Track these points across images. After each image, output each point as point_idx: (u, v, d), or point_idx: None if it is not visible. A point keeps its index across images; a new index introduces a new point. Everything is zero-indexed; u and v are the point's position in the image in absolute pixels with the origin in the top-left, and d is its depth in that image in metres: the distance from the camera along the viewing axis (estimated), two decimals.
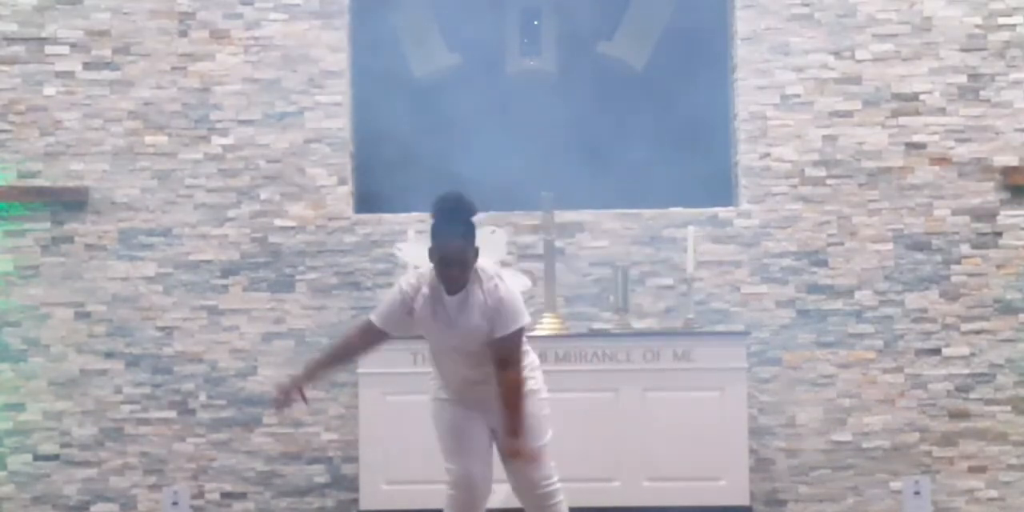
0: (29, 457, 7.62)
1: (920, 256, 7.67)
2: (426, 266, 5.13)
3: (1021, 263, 7.64)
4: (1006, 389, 7.58)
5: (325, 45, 7.82)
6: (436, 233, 5.01)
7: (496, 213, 7.38)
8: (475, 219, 5.09)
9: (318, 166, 7.78)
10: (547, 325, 7.28)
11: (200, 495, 7.62)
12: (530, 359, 5.28)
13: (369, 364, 7.20)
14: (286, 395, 5.17)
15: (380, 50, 8.16)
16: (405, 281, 5.19)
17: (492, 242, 5.56)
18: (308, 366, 5.33)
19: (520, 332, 5.08)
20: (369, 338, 5.27)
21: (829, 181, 7.72)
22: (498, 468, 5.33)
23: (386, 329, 5.20)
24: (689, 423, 7.08)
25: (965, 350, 7.60)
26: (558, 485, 5.26)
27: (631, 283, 7.54)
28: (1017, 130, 7.69)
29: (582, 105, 8.13)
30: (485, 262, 5.16)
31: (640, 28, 8.29)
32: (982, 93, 7.71)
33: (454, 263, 4.98)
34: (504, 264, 6.06)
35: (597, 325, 7.58)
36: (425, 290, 5.10)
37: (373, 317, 5.20)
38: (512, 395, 5.03)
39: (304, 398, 5.18)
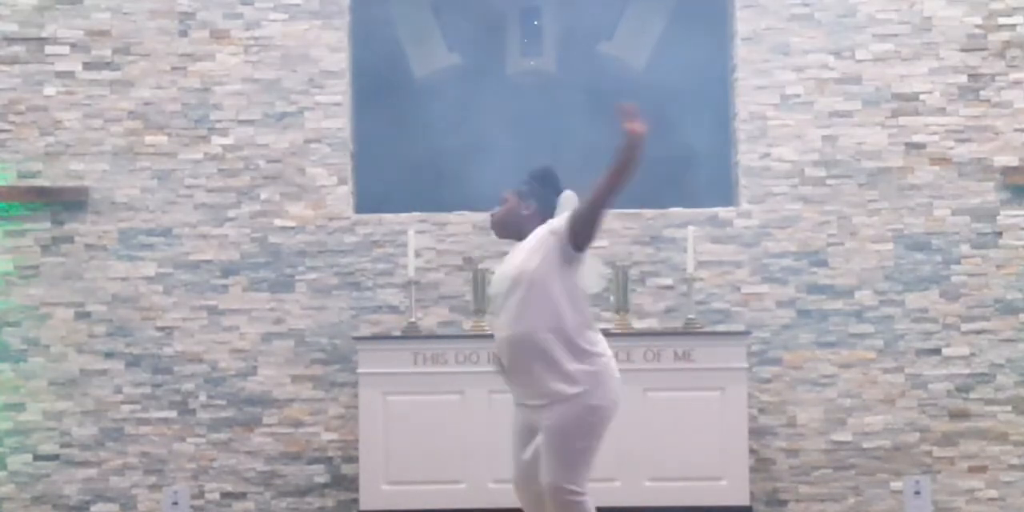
0: (29, 457, 7.62)
1: (920, 256, 7.67)
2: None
3: (1021, 263, 7.65)
4: (1006, 389, 7.58)
5: (325, 45, 7.82)
6: None
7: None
8: (540, 184, 5.04)
9: (318, 166, 7.78)
10: None
11: (200, 495, 7.62)
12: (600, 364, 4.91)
13: (369, 364, 7.22)
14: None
15: (380, 50, 8.16)
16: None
17: (565, 201, 5.29)
18: None
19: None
20: None
21: (829, 181, 7.73)
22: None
23: None
24: (689, 423, 7.09)
25: (965, 350, 7.61)
26: (572, 497, 4.80)
27: (631, 283, 7.54)
28: (1017, 130, 7.70)
29: (582, 105, 8.13)
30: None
31: (640, 28, 8.29)
32: (982, 93, 7.72)
33: (498, 204, 5.13)
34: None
35: (597, 325, 7.55)
36: None
37: None
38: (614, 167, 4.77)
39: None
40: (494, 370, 5.06)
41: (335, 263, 7.74)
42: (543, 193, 5.06)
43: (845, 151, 7.73)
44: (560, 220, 4.93)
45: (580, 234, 4.85)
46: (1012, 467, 7.56)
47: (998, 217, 7.67)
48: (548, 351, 4.82)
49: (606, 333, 7.35)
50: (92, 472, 7.64)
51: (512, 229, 5.08)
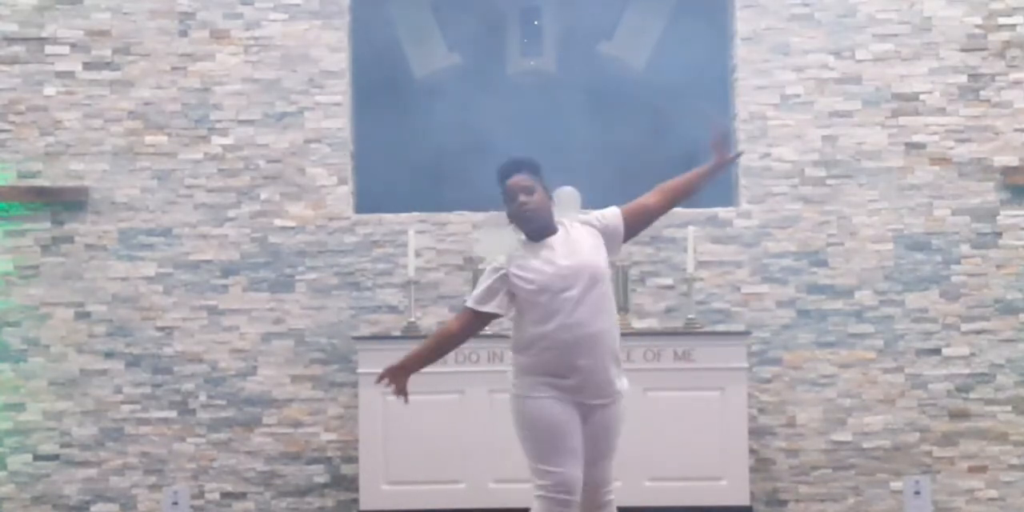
0: (29, 457, 7.62)
1: (920, 256, 7.67)
2: (504, 256, 5.00)
3: (1021, 263, 7.65)
4: (1006, 389, 7.58)
5: (325, 45, 7.82)
6: (501, 180, 4.97)
7: (496, 213, 7.36)
8: (538, 171, 5.00)
9: (318, 166, 7.79)
10: None
11: (200, 495, 7.62)
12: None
13: (369, 364, 7.21)
14: (392, 381, 4.95)
15: (380, 50, 8.16)
16: (495, 262, 4.99)
17: (565, 197, 5.29)
18: (409, 357, 5.00)
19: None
20: (468, 325, 5.00)
21: (829, 181, 7.73)
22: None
23: (487, 310, 4.92)
24: (689, 423, 7.09)
25: (965, 350, 7.61)
26: (613, 496, 4.97)
27: (631, 283, 7.54)
28: (1017, 130, 7.70)
29: (582, 105, 8.13)
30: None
31: (640, 28, 8.29)
32: (982, 93, 7.72)
33: (520, 191, 4.89)
34: None
35: None
36: (518, 254, 4.93)
37: (470, 303, 4.97)
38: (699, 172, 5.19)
39: (406, 396, 4.96)
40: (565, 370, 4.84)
41: (335, 263, 7.74)
42: (540, 177, 5.00)
43: (845, 151, 7.73)
44: (604, 218, 4.94)
45: (634, 232, 4.97)
46: (1012, 467, 7.55)
47: (998, 217, 7.67)
48: (616, 349, 4.88)
49: None
50: (92, 472, 7.64)
51: (542, 222, 4.91)
